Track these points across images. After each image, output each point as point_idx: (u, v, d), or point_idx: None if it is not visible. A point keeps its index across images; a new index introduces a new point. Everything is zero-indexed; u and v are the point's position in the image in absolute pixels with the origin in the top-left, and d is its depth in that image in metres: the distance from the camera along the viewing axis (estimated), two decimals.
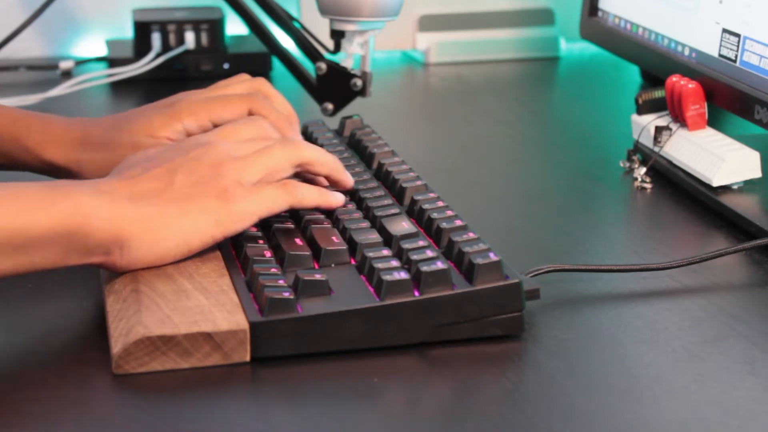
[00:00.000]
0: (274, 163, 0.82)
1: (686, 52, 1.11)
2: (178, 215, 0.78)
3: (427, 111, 1.38)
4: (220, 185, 0.79)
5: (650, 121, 1.08)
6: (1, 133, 0.93)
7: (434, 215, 0.83)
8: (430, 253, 0.77)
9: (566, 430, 0.67)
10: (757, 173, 0.99)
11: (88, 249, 0.76)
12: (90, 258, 0.76)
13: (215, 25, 1.45)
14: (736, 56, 1.03)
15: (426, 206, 0.85)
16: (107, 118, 0.96)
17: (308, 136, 1.04)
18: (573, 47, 1.60)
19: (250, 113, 0.94)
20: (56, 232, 0.74)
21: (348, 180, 0.88)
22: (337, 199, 0.85)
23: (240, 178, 0.80)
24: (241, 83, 1.00)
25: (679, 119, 1.06)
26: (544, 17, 1.58)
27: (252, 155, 0.82)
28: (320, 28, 1.16)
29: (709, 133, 1.05)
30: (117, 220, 0.76)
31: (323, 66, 1.15)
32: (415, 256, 0.76)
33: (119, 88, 1.40)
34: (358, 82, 1.13)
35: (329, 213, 0.85)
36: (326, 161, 0.86)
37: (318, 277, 0.75)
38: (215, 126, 0.93)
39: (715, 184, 0.99)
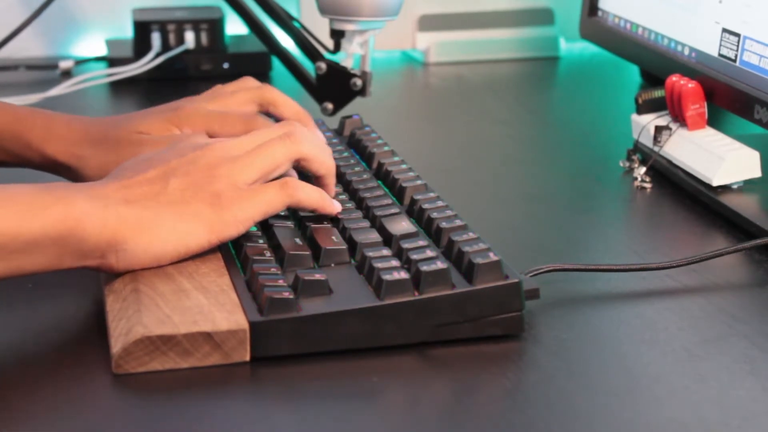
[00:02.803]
0: (271, 161, 0.81)
1: (686, 51, 1.11)
2: (173, 218, 0.78)
3: (427, 111, 1.38)
4: (214, 189, 0.79)
5: (650, 120, 1.08)
6: (3, 129, 0.93)
7: (434, 215, 0.83)
8: (430, 253, 0.77)
9: (566, 430, 0.67)
10: (756, 173, 0.99)
11: (82, 253, 0.76)
12: (85, 261, 0.76)
13: (215, 25, 1.45)
14: (735, 56, 1.03)
15: (426, 206, 0.85)
16: (110, 117, 0.96)
17: None
18: (573, 47, 1.59)
19: None
20: (49, 236, 0.74)
21: (332, 189, 0.87)
22: (335, 207, 0.84)
23: (235, 180, 0.80)
24: (246, 91, 0.99)
25: (679, 119, 1.06)
26: (543, 17, 1.58)
27: (248, 154, 0.81)
28: (320, 28, 1.16)
29: (709, 132, 1.05)
30: (110, 223, 0.76)
31: (323, 66, 1.15)
32: (414, 256, 0.76)
33: (119, 87, 1.40)
34: (358, 82, 1.13)
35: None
36: (324, 160, 0.85)
37: (318, 276, 0.75)
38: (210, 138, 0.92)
39: (715, 183, 0.99)
